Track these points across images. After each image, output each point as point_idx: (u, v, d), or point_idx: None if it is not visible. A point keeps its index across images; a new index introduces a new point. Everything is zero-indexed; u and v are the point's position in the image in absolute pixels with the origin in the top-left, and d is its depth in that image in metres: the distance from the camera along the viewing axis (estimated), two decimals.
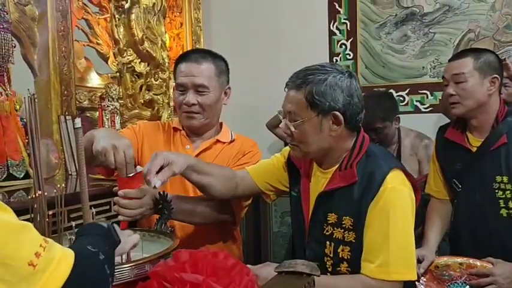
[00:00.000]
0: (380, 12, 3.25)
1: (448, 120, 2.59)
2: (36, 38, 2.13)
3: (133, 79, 1.99)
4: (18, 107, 1.88)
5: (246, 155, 1.64)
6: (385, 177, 1.25)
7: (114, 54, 2.01)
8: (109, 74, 2.61)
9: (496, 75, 1.77)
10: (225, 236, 1.66)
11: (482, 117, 1.79)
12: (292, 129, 1.31)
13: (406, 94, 3.18)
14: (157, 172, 1.24)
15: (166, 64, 1.97)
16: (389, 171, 1.26)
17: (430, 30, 3.12)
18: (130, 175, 1.27)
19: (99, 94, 2.41)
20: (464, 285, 1.72)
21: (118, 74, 2.04)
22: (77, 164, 2.15)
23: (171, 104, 1.99)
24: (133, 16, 1.85)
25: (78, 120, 1.08)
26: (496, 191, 1.74)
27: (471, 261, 1.72)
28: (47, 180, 1.92)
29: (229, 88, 1.71)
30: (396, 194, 1.24)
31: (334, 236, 1.29)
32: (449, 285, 1.73)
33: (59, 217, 1.03)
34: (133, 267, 0.93)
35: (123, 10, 1.88)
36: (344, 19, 3.35)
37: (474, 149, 1.82)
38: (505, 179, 1.72)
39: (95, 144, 1.26)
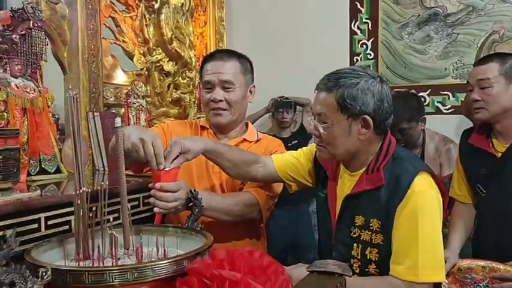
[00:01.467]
0: (402, 12, 3.24)
1: (470, 122, 2.59)
2: (66, 35, 2.17)
3: (161, 78, 2.02)
4: (50, 103, 1.92)
5: (273, 153, 1.67)
6: (413, 180, 1.26)
7: (143, 53, 2.05)
8: (134, 71, 2.65)
9: None
10: (252, 233, 1.69)
11: (506, 122, 1.79)
12: (321, 130, 1.34)
13: (427, 95, 3.18)
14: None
15: (193, 63, 2.01)
16: (416, 174, 1.28)
17: (454, 31, 3.11)
18: (167, 169, 1.31)
19: (125, 91, 2.45)
20: None
21: (146, 72, 2.08)
22: (104, 160, 2.20)
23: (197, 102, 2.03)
24: (162, 16, 1.89)
25: (118, 120, 1.11)
26: None
27: (494, 264, 1.72)
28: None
29: (253, 86, 1.74)
30: (424, 196, 1.26)
31: (361, 238, 1.32)
32: None
33: (102, 211, 1.06)
34: (172, 263, 0.96)
35: (153, 10, 1.92)
36: (365, 19, 3.36)
37: (499, 155, 1.81)
38: None
39: (125, 143, 1.30)
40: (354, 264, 1.33)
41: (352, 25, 3.38)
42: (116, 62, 2.53)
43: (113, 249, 1.07)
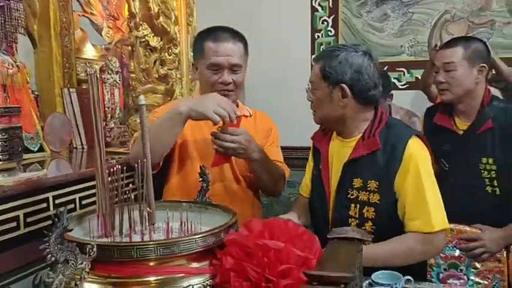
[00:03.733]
0: None
1: (424, 97, 2.78)
2: (36, 7, 2.07)
3: (147, 53, 1.99)
4: (28, 79, 1.85)
5: (272, 130, 1.76)
6: (407, 143, 1.40)
7: (130, 28, 2.00)
8: (102, 46, 2.57)
9: (484, 64, 1.92)
10: (253, 206, 1.77)
11: (468, 103, 1.94)
12: (312, 96, 1.52)
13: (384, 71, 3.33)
14: None
15: (178, 39, 1.99)
16: (409, 138, 1.42)
17: (409, 10, 3.25)
18: None
19: (96, 66, 2.39)
20: (455, 250, 1.91)
21: (130, 47, 2.03)
22: (82, 138, 2.15)
23: (184, 79, 2.02)
24: None
25: (141, 97, 1.11)
26: (482, 171, 1.90)
27: (461, 227, 1.90)
28: (58, 154, 1.92)
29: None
30: (422, 158, 1.41)
31: (359, 199, 1.44)
32: None
33: (139, 188, 1.07)
34: (211, 235, 1.00)
35: None
36: None
37: (461, 132, 1.97)
38: (491, 160, 1.89)
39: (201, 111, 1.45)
40: (352, 223, 1.45)
41: (313, 2, 3.45)
42: (85, 36, 2.45)
43: (144, 225, 1.09)
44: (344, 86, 1.42)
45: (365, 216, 1.43)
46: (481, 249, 1.82)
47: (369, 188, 1.42)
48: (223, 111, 1.45)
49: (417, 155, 1.40)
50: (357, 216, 1.44)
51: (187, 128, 1.57)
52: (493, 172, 1.89)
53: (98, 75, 2.24)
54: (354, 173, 1.46)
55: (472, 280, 1.86)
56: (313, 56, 1.58)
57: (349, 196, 1.46)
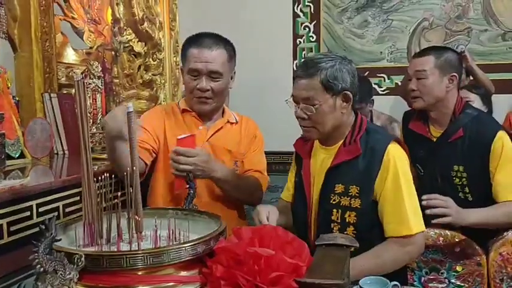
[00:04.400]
0: None
1: (403, 103, 2.82)
2: (17, 11, 2.03)
3: (131, 58, 1.97)
4: (9, 84, 1.81)
5: (256, 137, 1.75)
6: (386, 148, 1.44)
7: (114, 33, 1.98)
8: (84, 50, 2.54)
9: (455, 74, 1.97)
10: (239, 213, 1.77)
11: (440, 111, 1.99)
12: (309, 113, 1.46)
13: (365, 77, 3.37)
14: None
15: (163, 44, 1.98)
16: (389, 143, 1.45)
17: (389, 17, 3.31)
18: (181, 137, 1.47)
19: (77, 71, 2.36)
20: (436, 253, 1.93)
21: (114, 53, 2.01)
22: (63, 143, 2.12)
23: (167, 84, 2.01)
24: None
25: (130, 104, 1.11)
26: (454, 178, 1.94)
27: (441, 231, 1.91)
28: (39, 160, 1.89)
29: (234, 72, 1.77)
30: (401, 162, 1.44)
31: (341, 204, 1.46)
32: None
33: (128, 196, 1.06)
34: (202, 243, 1.00)
35: None
36: (308, 2, 3.45)
37: (434, 139, 2.01)
38: (461, 168, 1.93)
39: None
40: (334, 228, 1.47)
41: (295, 8, 3.48)
42: (66, 40, 2.41)
43: (132, 233, 1.08)
44: (348, 92, 1.46)
45: (347, 221, 1.45)
46: (449, 218, 1.76)
47: (350, 193, 1.45)
48: (114, 120, 1.38)
49: (396, 159, 1.43)
50: (339, 221, 1.47)
51: (171, 139, 1.56)
52: (464, 179, 1.93)
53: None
54: (336, 178, 1.48)
55: (453, 283, 1.88)
56: (298, 73, 1.51)
57: (331, 201, 1.48)
